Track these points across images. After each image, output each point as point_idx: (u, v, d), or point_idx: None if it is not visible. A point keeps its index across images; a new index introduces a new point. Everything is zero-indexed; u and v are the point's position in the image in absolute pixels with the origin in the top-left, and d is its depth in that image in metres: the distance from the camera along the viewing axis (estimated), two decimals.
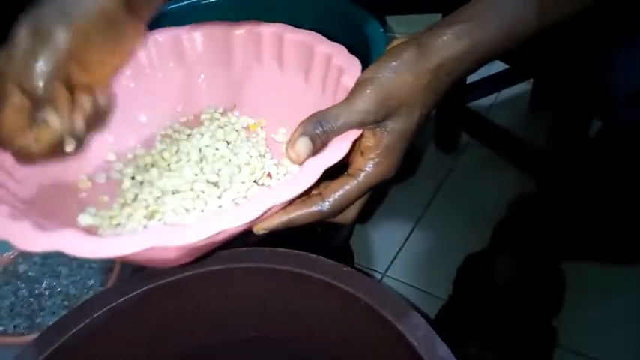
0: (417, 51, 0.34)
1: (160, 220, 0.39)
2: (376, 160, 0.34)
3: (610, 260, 0.63)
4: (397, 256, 0.79)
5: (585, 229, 0.52)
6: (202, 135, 0.45)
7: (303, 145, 0.33)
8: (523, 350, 0.56)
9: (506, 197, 0.65)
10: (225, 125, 0.47)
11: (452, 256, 0.68)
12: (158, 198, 0.41)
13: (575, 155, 0.47)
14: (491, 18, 0.33)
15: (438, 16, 0.72)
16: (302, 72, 0.45)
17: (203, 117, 0.48)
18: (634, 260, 0.60)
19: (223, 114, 0.48)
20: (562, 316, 0.62)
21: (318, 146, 0.33)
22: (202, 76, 0.49)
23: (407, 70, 0.33)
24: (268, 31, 0.46)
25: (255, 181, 0.41)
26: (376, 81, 0.33)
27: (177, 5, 0.66)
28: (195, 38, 0.48)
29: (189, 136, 0.47)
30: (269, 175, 0.42)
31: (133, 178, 0.43)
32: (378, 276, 0.79)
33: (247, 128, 0.47)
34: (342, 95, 0.38)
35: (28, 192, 0.38)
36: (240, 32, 0.47)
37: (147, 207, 0.40)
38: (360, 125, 0.34)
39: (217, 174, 0.41)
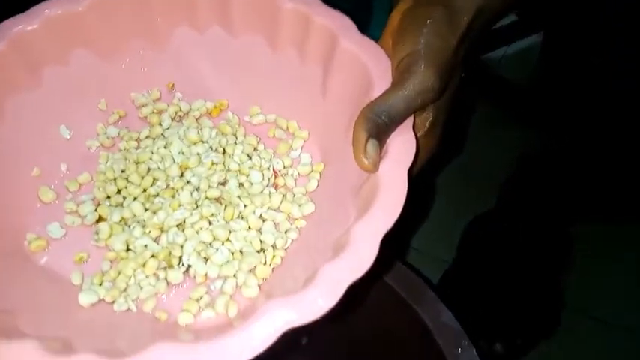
0: (446, 9, 0.30)
1: (182, 265, 0.32)
2: (422, 140, 0.32)
3: (619, 221, 0.63)
4: None
5: (593, 188, 0.52)
6: (165, 138, 0.36)
7: (374, 148, 0.28)
8: (530, 313, 0.58)
9: (514, 158, 0.62)
10: (180, 116, 0.38)
11: (457, 218, 0.67)
12: (158, 238, 0.33)
13: (585, 113, 0.47)
14: None
15: None
16: (262, 35, 0.37)
17: (144, 111, 0.38)
18: None
19: (160, 99, 0.39)
20: (570, 278, 0.61)
21: (384, 143, 0.29)
22: (116, 50, 0.38)
23: (446, 32, 0.29)
24: None
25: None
26: (425, 53, 0.29)
27: None
28: (96, 5, 0.36)
29: (137, 141, 0.37)
30: (275, 171, 0.36)
31: (101, 219, 0.34)
32: None
33: (209, 114, 0.39)
34: (345, 63, 0.33)
35: None
36: None
37: (153, 254, 0.32)
38: (420, 107, 0.30)
39: (217, 188, 0.34)
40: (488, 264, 0.59)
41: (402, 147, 0.29)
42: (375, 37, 0.34)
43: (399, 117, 0.29)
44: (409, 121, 0.30)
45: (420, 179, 0.30)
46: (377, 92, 0.31)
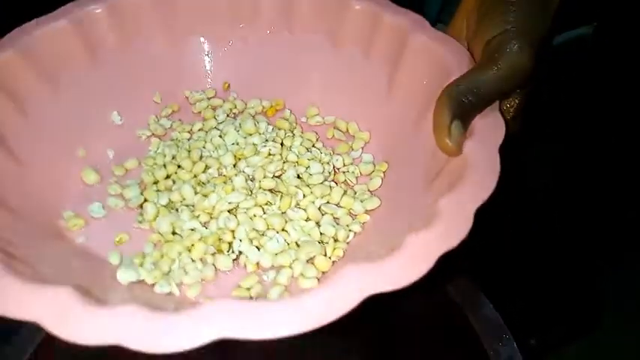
0: None
1: (232, 252, 0.28)
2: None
3: None
4: None
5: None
6: (219, 130, 0.34)
7: (459, 130, 0.26)
8: (567, 310, 0.54)
9: (557, 152, 0.59)
10: (235, 113, 0.37)
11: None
12: (207, 223, 0.30)
13: (635, 110, 0.45)
14: None
15: None
16: (324, 33, 0.36)
17: (199, 106, 0.37)
18: None
19: (215, 98, 0.38)
20: (611, 277, 0.60)
21: (468, 125, 0.26)
22: (176, 43, 0.37)
23: (539, 10, 0.27)
24: None
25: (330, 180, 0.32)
26: (518, 32, 0.27)
27: None
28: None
29: (190, 132, 0.35)
30: (335, 169, 0.33)
31: (146, 201, 0.31)
32: None
33: (264, 113, 0.37)
34: (419, 59, 0.32)
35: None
36: None
37: (201, 238, 0.29)
38: (511, 90, 0.28)
39: (273, 179, 0.32)
40: (524, 258, 0.55)
41: (489, 125, 0.26)
42: (430, 17, 0.33)
43: (488, 97, 0.26)
44: (495, 105, 0.28)
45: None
46: None
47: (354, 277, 0.20)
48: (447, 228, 0.22)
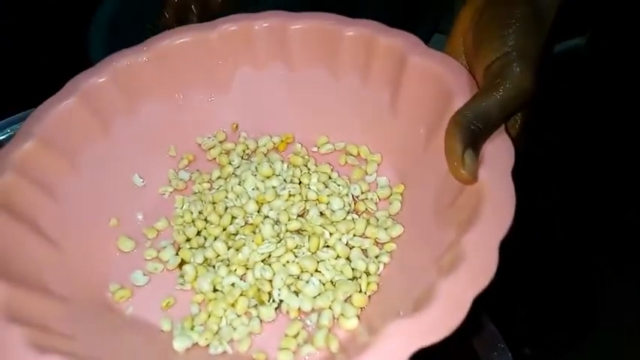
0: (529, 6, 0.28)
1: (273, 301, 0.30)
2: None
3: None
4: None
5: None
6: (237, 176, 0.36)
7: (472, 159, 0.27)
8: (562, 318, 0.55)
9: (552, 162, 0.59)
10: (248, 154, 0.38)
11: None
12: (244, 275, 0.31)
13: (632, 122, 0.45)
14: None
15: None
16: (323, 64, 0.37)
17: (213, 153, 0.38)
18: None
19: (227, 140, 0.39)
20: (607, 284, 0.58)
21: (479, 152, 0.27)
22: (180, 96, 0.38)
23: (534, 31, 0.28)
24: (261, 25, 0.37)
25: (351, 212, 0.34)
26: (517, 55, 0.27)
27: None
28: (159, 55, 0.37)
29: (210, 182, 0.37)
30: (353, 198, 0.35)
31: (184, 262, 0.33)
32: None
33: (276, 148, 0.38)
34: (418, 79, 0.32)
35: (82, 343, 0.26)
36: (216, 35, 0.37)
37: (243, 293, 0.30)
38: (516, 111, 0.29)
39: (297, 219, 0.33)
40: (522, 265, 0.56)
41: (499, 149, 0.27)
42: (423, 36, 0.34)
43: (494, 122, 0.27)
44: (501, 128, 0.29)
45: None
46: (459, 103, 0.30)
47: (399, 336, 0.21)
48: (477, 269, 0.23)
